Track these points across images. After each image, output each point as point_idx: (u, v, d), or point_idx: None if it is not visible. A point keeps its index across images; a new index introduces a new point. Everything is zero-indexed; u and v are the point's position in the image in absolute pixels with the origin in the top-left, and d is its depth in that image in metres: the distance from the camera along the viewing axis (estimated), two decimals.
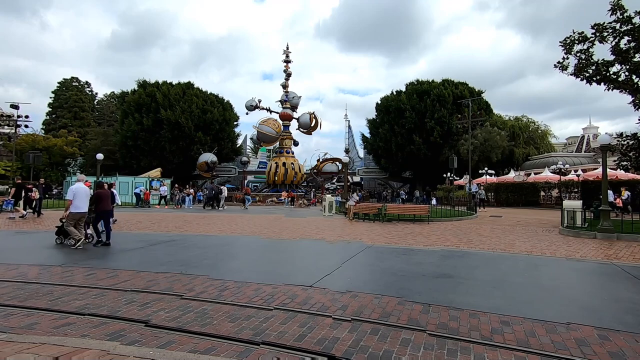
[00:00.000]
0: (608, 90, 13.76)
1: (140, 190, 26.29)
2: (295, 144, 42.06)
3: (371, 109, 59.64)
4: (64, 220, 8.82)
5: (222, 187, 27.62)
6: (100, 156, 22.07)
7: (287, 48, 41.02)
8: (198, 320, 3.93)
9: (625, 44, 12.92)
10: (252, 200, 29.33)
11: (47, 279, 5.66)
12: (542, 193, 30.52)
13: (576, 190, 27.19)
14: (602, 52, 15.21)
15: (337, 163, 41.41)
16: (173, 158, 39.65)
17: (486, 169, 33.23)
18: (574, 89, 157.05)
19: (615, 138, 15.61)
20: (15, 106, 27.28)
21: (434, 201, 30.02)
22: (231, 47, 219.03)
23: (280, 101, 41.17)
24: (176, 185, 32.16)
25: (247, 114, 40.73)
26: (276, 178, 38.62)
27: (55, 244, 8.94)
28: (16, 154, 35.93)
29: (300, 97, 41.90)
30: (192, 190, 29.25)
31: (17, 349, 2.91)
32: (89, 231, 9.52)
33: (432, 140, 38.20)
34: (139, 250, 8.45)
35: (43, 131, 54.19)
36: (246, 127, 71.27)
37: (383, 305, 4.51)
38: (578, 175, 29.27)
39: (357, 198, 19.99)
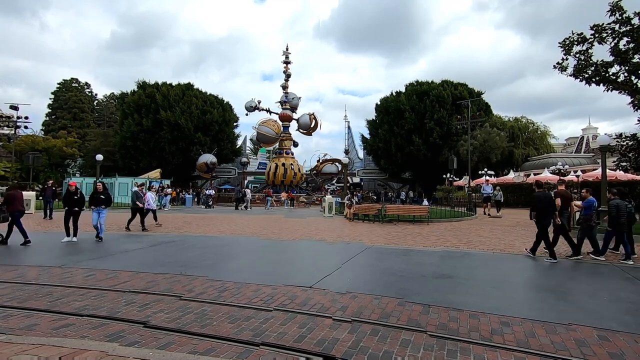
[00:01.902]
0: (607, 91, 13.78)
1: None
2: (295, 144, 42.02)
3: (371, 110, 59.76)
4: None
5: (246, 190, 28.90)
6: (99, 157, 22.10)
7: (287, 49, 40.98)
8: (198, 321, 3.93)
9: (624, 45, 12.95)
10: (271, 200, 29.54)
11: (47, 280, 5.65)
12: None
13: (575, 191, 27.18)
14: (601, 53, 15.25)
15: (337, 164, 41.41)
16: (172, 159, 39.60)
17: (486, 169, 33.22)
18: (573, 89, 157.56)
19: (614, 139, 15.61)
20: (14, 107, 27.26)
21: (425, 202, 30.13)
22: (231, 48, 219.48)
23: (279, 102, 41.12)
24: (161, 185, 31.77)
25: (246, 114, 40.59)
26: (275, 179, 38.63)
27: None
28: (16, 155, 35.92)
29: (299, 97, 41.86)
30: (170, 190, 28.88)
31: (16, 350, 2.91)
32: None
33: (431, 141, 38.19)
34: (139, 251, 8.44)
35: (42, 132, 54.11)
36: (246, 128, 71.52)
37: (383, 306, 4.51)
38: (577, 176, 29.29)
39: (353, 200, 19.51)
